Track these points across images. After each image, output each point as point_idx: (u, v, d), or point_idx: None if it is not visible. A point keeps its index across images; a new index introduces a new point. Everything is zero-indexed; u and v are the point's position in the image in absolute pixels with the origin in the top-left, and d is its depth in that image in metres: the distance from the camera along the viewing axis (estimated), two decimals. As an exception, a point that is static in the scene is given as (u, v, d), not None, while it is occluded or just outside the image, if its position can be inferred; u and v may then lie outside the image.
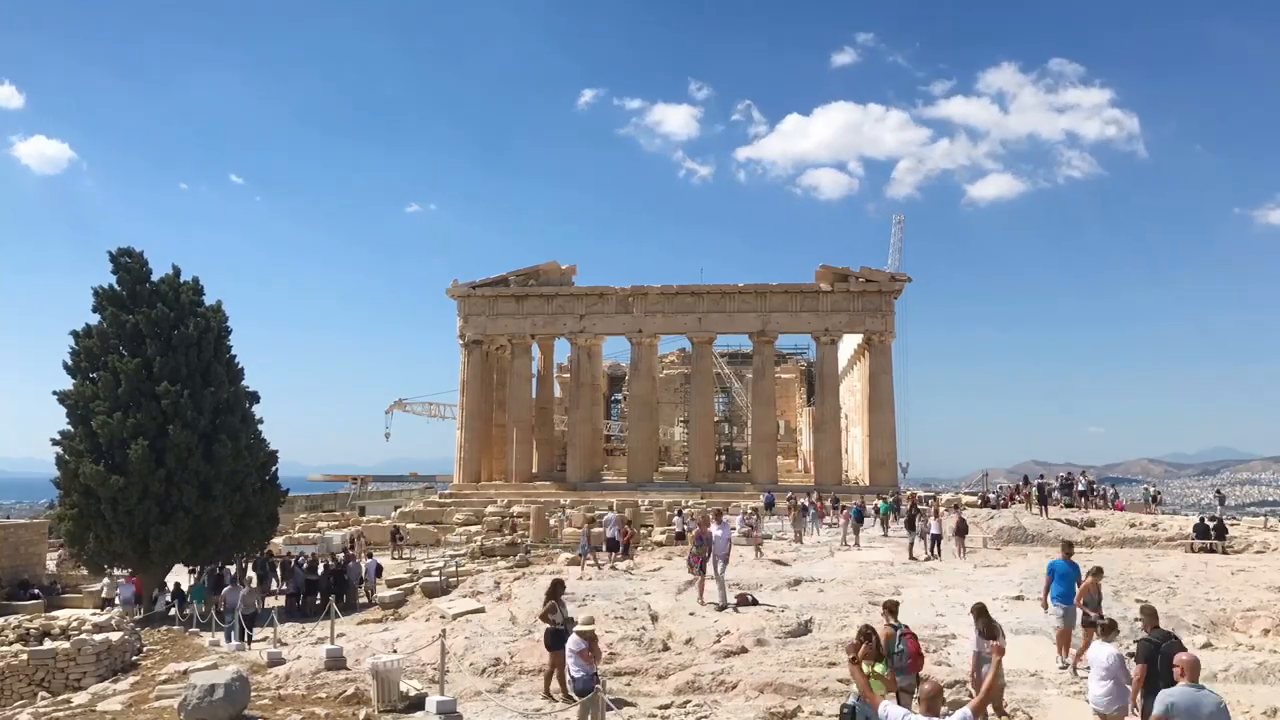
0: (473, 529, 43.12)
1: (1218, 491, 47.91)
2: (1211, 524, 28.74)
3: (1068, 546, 13.98)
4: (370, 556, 31.66)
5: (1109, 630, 9.90)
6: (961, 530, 25.73)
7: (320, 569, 28.07)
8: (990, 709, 9.80)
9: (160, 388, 27.39)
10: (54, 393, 28.33)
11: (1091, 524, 30.43)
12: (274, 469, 30.98)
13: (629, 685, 12.74)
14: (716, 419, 64.28)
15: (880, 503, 35.15)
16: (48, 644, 16.18)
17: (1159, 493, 49.97)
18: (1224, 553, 26.52)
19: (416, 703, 11.46)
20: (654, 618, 16.57)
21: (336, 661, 13.87)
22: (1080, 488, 38.35)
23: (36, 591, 27.65)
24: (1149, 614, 9.89)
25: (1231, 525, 31.33)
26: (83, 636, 16.06)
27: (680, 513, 37.58)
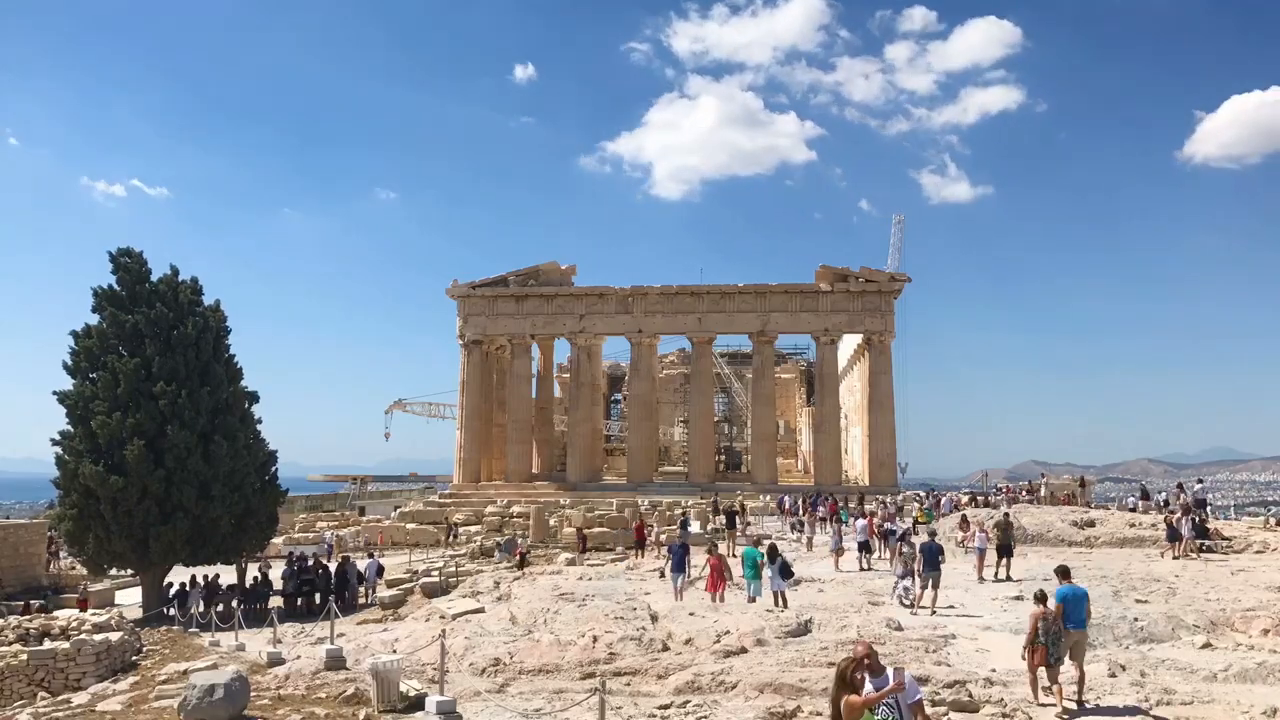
0: (473, 529, 43.11)
1: None
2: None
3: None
4: (371, 556, 31.67)
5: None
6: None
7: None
8: None
9: (159, 388, 27.40)
10: (54, 393, 28.36)
11: (1091, 524, 30.38)
12: (273, 469, 30.97)
13: (629, 685, 12.74)
14: (716, 419, 64.29)
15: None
16: (47, 644, 16.16)
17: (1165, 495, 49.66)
18: (1222, 552, 26.49)
19: (416, 703, 11.45)
20: (654, 618, 16.57)
21: (336, 662, 13.87)
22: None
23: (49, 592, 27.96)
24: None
25: (1227, 526, 31.29)
26: (82, 637, 16.06)
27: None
